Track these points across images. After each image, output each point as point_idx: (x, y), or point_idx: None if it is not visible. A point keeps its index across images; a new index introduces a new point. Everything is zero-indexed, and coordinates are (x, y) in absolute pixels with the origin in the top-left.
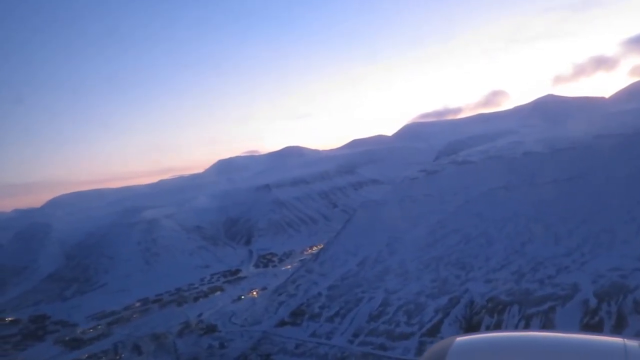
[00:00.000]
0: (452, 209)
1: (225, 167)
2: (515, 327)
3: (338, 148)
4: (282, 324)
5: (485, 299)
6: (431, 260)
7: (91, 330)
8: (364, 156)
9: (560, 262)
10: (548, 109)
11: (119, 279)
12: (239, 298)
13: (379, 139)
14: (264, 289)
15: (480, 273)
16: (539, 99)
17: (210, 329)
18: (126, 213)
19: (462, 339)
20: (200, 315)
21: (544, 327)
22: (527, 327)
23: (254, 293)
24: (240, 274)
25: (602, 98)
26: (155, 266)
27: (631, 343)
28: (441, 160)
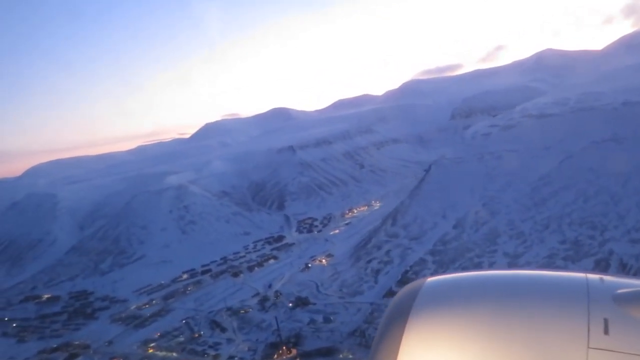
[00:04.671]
0: (555, 164)
1: (214, 131)
2: None
3: (324, 109)
4: (390, 294)
5: None
6: (548, 221)
7: (147, 306)
8: (375, 114)
9: None
10: (550, 64)
11: (157, 249)
12: (307, 266)
13: (365, 99)
14: (329, 256)
15: (620, 233)
16: (539, 53)
17: (301, 302)
18: (142, 180)
19: (433, 279)
20: (270, 286)
21: None
22: None
23: (323, 261)
24: (286, 241)
25: (596, 51)
26: (193, 235)
27: (593, 277)
28: (456, 119)
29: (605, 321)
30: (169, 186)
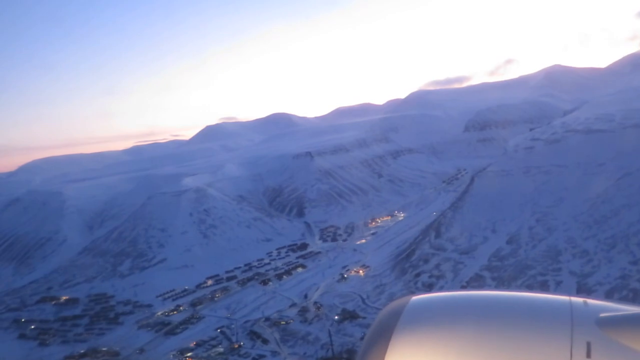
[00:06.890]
0: (612, 182)
1: (214, 134)
2: None
3: (325, 116)
4: None
5: None
6: (614, 240)
7: (174, 312)
8: (385, 123)
9: None
10: (559, 79)
11: (178, 253)
12: (343, 277)
13: (366, 107)
14: (364, 266)
15: None
16: (547, 68)
17: (349, 315)
18: (152, 181)
19: (418, 297)
20: (306, 296)
21: None
22: None
23: (360, 272)
24: (311, 249)
25: (602, 68)
26: (215, 240)
27: (576, 301)
28: (470, 131)
29: (588, 345)
30: (187, 188)
